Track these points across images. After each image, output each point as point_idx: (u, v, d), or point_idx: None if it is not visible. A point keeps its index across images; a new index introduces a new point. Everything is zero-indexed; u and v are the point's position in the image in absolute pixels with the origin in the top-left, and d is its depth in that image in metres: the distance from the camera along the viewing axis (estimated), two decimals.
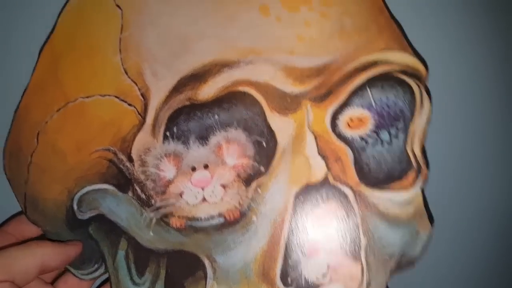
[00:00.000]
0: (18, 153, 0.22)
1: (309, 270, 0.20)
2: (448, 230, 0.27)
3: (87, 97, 0.21)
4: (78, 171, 0.21)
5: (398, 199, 0.21)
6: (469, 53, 0.27)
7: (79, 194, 0.21)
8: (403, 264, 0.22)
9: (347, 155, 0.20)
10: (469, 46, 0.26)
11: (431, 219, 0.22)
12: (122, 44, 0.21)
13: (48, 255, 0.20)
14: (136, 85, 0.21)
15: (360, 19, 0.20)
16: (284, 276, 0.20)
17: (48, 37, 0.23)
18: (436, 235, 0.22)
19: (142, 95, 0.20)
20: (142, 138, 0.20)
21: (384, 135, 0.21)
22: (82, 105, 0.21)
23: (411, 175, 0.21)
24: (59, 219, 0.21)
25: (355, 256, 0.20)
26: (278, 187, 0.20)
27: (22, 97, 0.23)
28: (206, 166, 0.20)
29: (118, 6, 0.21)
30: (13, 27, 0.26)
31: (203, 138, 0.20)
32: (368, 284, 0.20)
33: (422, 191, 0.21)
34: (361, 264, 0.20)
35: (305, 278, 0.20)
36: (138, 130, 0.20)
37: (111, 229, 0.21)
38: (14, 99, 0.23)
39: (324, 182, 0.20)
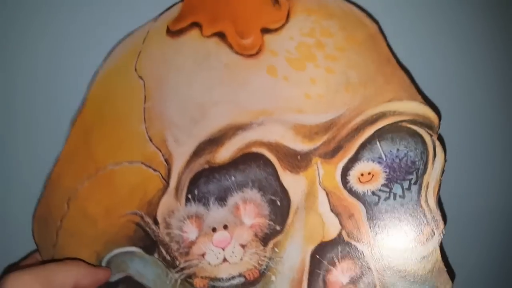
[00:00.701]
0: (48, 218, 0.25)
1: None
2: (471, 283, 0.26)
3: (116, 164, 0.24)
4: (107, 235, 0.24)
5: (415, 255, 0.21)
6: (482, 96, 0.27)
7: (107, 257, 0.24)
8: None
9: (360, 211, 0.21)
10: (483, 91, 0.26)
11: (451, 274, 0.21)
12: (146, 113, 0.24)
13: (82, 274, 0.23)
14: (160, 151, 0.23)
15: (365, 71, 0.22)
16: None
17: (80, 109, 0.27)
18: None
19: (166, 160, 0.23)
20: (167, 201, 0.23)
21: (397, 189, 0.21)
22: (111, 173, 0.24)
23: (426, 229, 0.21)
24: None
25: None
26: (294, 245, 0.21)
27: (54, 165, 0.26)
28: (225, 227, 0.22)
29: (140, 77, 0.24)
30: (43, 101, 0.30)
31: (222, 199, 0.22)
32: None
33: (441, 246, 0.21)
34: None
35: None
36: (163, 193, 0.23)
37: None
38: (44, 168, 0.26)
39: (339, 239, 0.21)
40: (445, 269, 0.21)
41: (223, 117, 0.23)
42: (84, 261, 0.24)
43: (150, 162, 0.23)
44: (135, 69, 0.24)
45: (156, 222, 0.22)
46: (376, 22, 0.23)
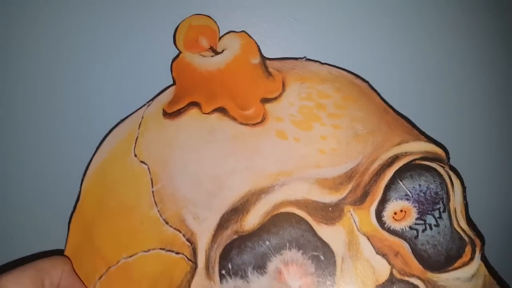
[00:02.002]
0: None
1: None
2: None
3: (130, 256, 0.25)
4: None
5: (465, 275, 0.24)
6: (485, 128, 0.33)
7: None
8: None
9: (404, 247, 0.24)
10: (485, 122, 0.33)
11: (504, 284, 0.25)
12: (157, 196, 0.26)
13: (67, 272, 0.24)
14: (180, 232, 0.24)
15: (369, 122, 0.27)
16: None
17: (75, 207, 0.27)
18: None
19: (188, 240, 0.24)
20: (198, 283, 0.24)
21: (430, 219, 0.25)
22: (126, 266, 0.25)
23: (467, 249, 0.25)
24: None
25: None
26: None
27: None
28: None
29: (143, 162, 0.26)
30: (40, 199, 0.30)
31: (260, 267, 0.23)
32: None
33: (485, 260, 0.25)
34: None
35: None
36: (192, 276, 0.24)
37: None
38: None
39: (392, 278, 0.23)
40: (495, 282, 0.25)
41: (241, 185, 0.25)
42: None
43: (170, 246, 0.24)
44: (135, 155, 0.26)
45: None
46: (365, 81, 0.28)
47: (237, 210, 0.24)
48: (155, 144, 0.26)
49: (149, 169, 0.26)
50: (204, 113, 0.26)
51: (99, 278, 0.24)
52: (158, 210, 0.25)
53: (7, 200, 0.30)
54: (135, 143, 0.26)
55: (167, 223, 0.24)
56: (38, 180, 0.30)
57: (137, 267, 0.24)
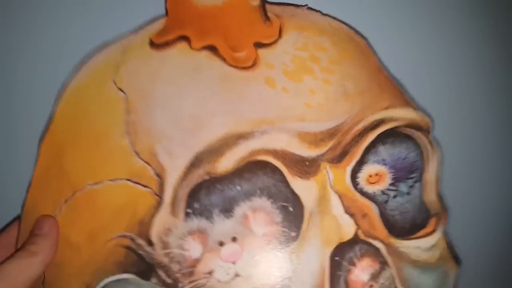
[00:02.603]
0: None
1: None
2: (474, 267, 0.31)
3: (96, 183, 0.24)
4: (95, 263, 0.24)
5: (425, 245, 0.25)
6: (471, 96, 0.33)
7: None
8: None
9: (373, 210, 0.25)
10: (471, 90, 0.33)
11: (457, 259, 0.26)
12: (130, 127, 0.25)
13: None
14: (150, 165, 0.24)
15: (361, 82, 0.26)
16: None
17: (47, 128, 0.26)
18: (464, 273, 0.26)
19: (157, 174, 0.24)
20: (162, 219, 0.23)
21: (402, 187, 0.25)
22: (91, 193, 0.24)
23: (432, 221, 0.26)
24: None
25: None
26: (312, 250, 0.23)
27: (27, 193, 0.26)
28: (234, 239, 0.23)
29: (120, 89, 0.25)
30: (10, 119, 0.29)
31: (227, 211, 0.23)
32: None
33: (445, 234, 0.26)
34: None
35: None
36: (156, 210, 0.24)
37: None
38: (19, 194, 0.25)
39: (356, 238, 0.24)
40: (451, 256, 0.25)
41: (221, 127, 0.25)
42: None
43: (138, 178, 0.24)
44: (114, 81, 0.25)
45: (150, 243, 0.23)
46: (364, 38, 0.27)
47: (212, 152, 0.23)
48: (137, 73, 0.25)
49: (125, 98, 0.24)
50: (193, 49, 0.25)
51: (65, 202, 0.24)
52: (130, 142, 0.24)
53: None
54: (116, 69, 0.25)
55: (138, 155, 0.24)
56: (10, 96, 0.28)
57: (103, 195, 0.23)
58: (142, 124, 0.24)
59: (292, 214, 0.24)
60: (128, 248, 0.23)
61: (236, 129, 0.24)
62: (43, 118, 0.26)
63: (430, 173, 0.27)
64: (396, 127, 0.26)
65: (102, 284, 0.23)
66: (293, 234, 0.24)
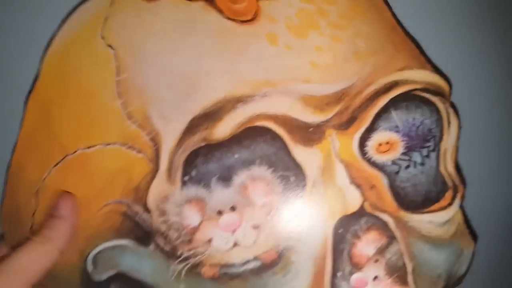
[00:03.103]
0: (17, 217, 0.23)
1: None
2: (492, 244, 0.29)
3: (88, 147, 0.23)
4: (88, 229, 0.23)
5: (439, 220, 0.23)
6: (492, 60, 0.30)
7: (92, 254, 0.23)
8: (450, 283, 0.24)
9: (381, 181, 0.23)
10: (491, 54, 0.30)
11: (473, 235, 0.24)
12: (121, 87, 0.23)
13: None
14: (144, 130, 0.22)
15: (374, 40, 0.24)
16: None
17: (33, 86, 0.25)
18: (481, 249, 0.24)
19: (152, 140, 0.23)
20: (158, 186, 0.22)
21: (416, 157, 0.23)
22: (83, 157, 0.23)
23: (448, 194, 0.24)
24: (74, 284, 0.23)
25: (403, 282, 0.22)
26: (314, 222, 0.22)
27: (12, 154, 0.24)
28: (233, 209, 0.22)
29: (109, 46, 0.23)
30: None
31: (225, 179, 0.22)
32: None
33: (462, 208, 0.24)
34: None
35: None
36: (152, 178, 0.22)
37: None
38: (3, 156, 0.24)
39: (361, 211, 0.22)
40: (468, 231, 0.24)
41: (218, 88, 0.23)
42: None
43: (131, 143, 0.22)
44: (102, 37, 0.23)
45: (147, 210, 0.22)
46: None
47: (209, 116, 0.22)
48: (126, 28, 0.23)
49: (115, 55, 0.22)
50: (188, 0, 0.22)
51: (55, 166, 0.23)
52: (122, 103, 0.23)
53: None
54: (104, 23, 0.23)
55: (130, 118, 0.22)
56: None
57: (95, 160, 0.22)
58: (133, 84, 0.23)
59: (293, 184, 0.22)
60: (124, 214, 0.22)
61: (234, 91, 0.22)
62: (29, 76, 0.24)
63: (448, 142, 0.25)
64: (411, 90, 0.23)
65: (97, 249, 0.22)
66: (295, 205, 0.22)
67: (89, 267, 0.22)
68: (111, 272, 0.23)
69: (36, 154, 0.24)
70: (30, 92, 0.25)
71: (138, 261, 0.22)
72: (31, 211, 0.23)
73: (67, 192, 0.23)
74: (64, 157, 0.23)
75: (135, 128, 0.23)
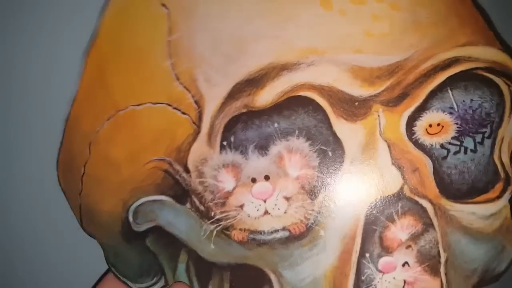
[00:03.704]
0: (71, 164, 0.26)
1: (383, 286, 0.21)
2: None
3: (138, 105, 0.24)
4: (133, 182, 0.24)
5: (483, 212, 0.22)
6: None
7: (134, 205, 0.25)
8: (486, 278, 0.23)
9: (426, 165, 0.22)
10: None
11: None
12: (172, 47, 0.23)
13: None
14: (189, 92, 0.23)
15: (437, 10, 0.22)
16: None
17: (91, 43, 0.26)
18: None
19: (196, 102, 0.23)
20: (198, 148, 0.23)
21: (468, 143, 0.22)
22: (133, 114, 0.24)
23: (498, 186, 0.22)
24: (115, 231, 0.25)
25: (434, 272, 0.21)
26: (348, 200, 0.21)
27: (71, 105, 0.26)
28: (267, 178, 0.22)
29: (164, 5, 0.24)
30: (55, 30, 0.29)
31: (262, 148, 0.22)
32: None
33: (511, 203, 0.22)
34: (441, 280, 0.21)
35: None
36: (194, 139, 0.23)
37: (170, 242, 0.24)
38: (63, 107, 0.26)
39: (400, 194, 0.21)
40: None
41: (264, 54, 0.22)
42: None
43: (178, 103, 0.23)
44: None
45: (187, 170, 0.22)
46: None
47: (252, 82, 0.22)
48: None
49: (168, 15, 0.23)
50: None
51: (108, 120, 0.24)
52: (171, 63, 0.23)
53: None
54: None
55: (178, 79, 0.23)
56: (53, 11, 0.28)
57: (144, 117, 0.24)
58: (183, 46, 0.23)
59: (331, 159, 0.22)
60: (165, 171, 0.23)
61: (280, 58, 0.22)
62: (87, 33, 0.26)
63: (507, 129, 0.22)
64: (473, 69, 0.21)
65: (139, 202, 0.24)
66: (329, 180, 0.22)
67: (130, 217, 0.24)
68: (149, 225, 0.25)
69: (91, 107, 0.26)
70: (89, 47, 0.26)
71: (175, 217, 0.24)
72: (84, 160, 0.25)
73: (182, 283, 0.25)
74: (117, 113, 0.24)
75: (182, 89, 0.24)
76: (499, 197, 0.23)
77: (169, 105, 0.24)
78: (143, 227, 0.25)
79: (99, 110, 0.25)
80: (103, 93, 0.25)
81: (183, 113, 0.24)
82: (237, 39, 0.23)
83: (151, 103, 0.24)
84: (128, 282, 0.26)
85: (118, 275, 0.26)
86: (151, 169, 0.24)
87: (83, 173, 0.26)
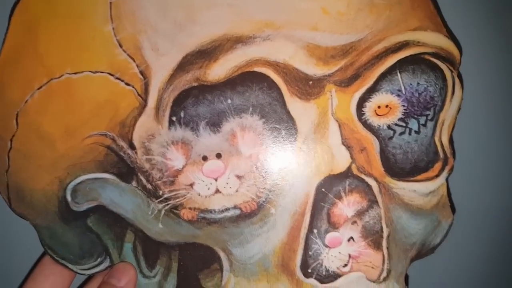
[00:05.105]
0: None
1: (330, 260, 0.22)
2: (468, 217, 0.30)
3: (75, 73, 0.23)
4: (70, 159, 0.23)
5: (423, 190, 0.23)
6: (506, 36, 0.28)
7: (72, 184, 0.24)
8: (423, 251, 0.25)
9: (373, 145, 0.23)
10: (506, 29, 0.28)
11: (453, 208, 0.25)
12: (114, 10, 0.22)
13: None
14: (134, 61, 0.21)
15: None
16: (304, 267, 0.22)
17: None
18: (456, 221, 0.25)
19: (141, 73, 0.22)
20: (145, 123, 0.22)
21: (413, 124, 0.23)
22: (69, 83, 0.23)
23: (437, 166, 0.24)
24: (51, 212, 0.23)
25: (377, 246, 0.23)
26: (299, 178, 0.22)
27: None
28: (219, 156, 0.22)
29: None
30: None
31: (214, 125, 0.22)
32: (389, 272, 0.23)
33: (447, 181, 0.24)
34: (383, 254, 0.23)
35: (326, 268, 0.22)
36: (139, 113, 0.22)
37: (115, 221, 0.23)
38: None
39: (348, 173, 0.22)
40: (449, 204, 0.24)
41: (218, 24, 0.22)
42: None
43: (120, 73, 0.21)
44: None
45: (132, 147, 0.21)
46: None
47: (204, 54, 0.21)
48: None
49: None
50: None
51: (39, 88, 0.21)
52: (113, 28, 0.21)
53: None
54: None
55: (120, 45, 0.21)
56: None
57: (82, 87, 0.22)
58: (126, 7, 0.21)
59: (284, 137, 0.22)
60: (108, 148, 0.22)
61: (234, 30, 0.21)
62: None
63: (448, 113, 0.24)
64: (421, 53, 0.22)
65: (78, 180, 0.22)
66: (282, 159, 0.22)
67: (68, 197, 0.23)
68: (91, 204, 0.23)
69: (19, 73, 0.23)
70: (15, 5, 0.24)
71: (119, 196, 0.23)
72: (10, 134, 0.22)
73: (128, 263, 0.24)
74: (49, 81, 0.23)
75: (125, 57, 0.22)
76: (437, 175, 0.25)
77: (111, 74, 0.23)
78: (83, 207, 0.24)
79: (27, 77, 0.23)
80: (32, 58, 0.23)
81: (127, 84, 0.22)
82: (187, 4, 0.22)
83: (90, 71, 0.23)
84: (68, 265, 0.25)
85: (56, 258, 0.24)
86: (91, 144, 0.23)
87: (10, 148, 0.23)
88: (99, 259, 0.26)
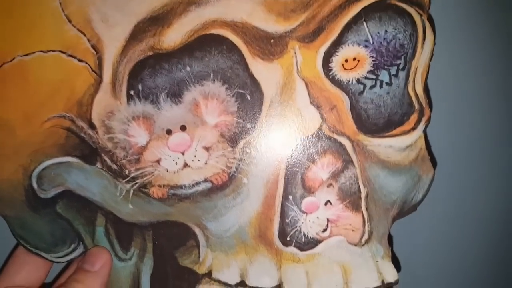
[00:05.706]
0: None
1: (308, 226, 0.21)
2: (451, 170, 0.29)
3: (27, 54, 0.22)
4: (32, 145, 0.23)
5: (400, 145, 0.22)
6: None
7: (37, 170, 0.23)
8: (405, 209, 0.24)
9: (343, 102, 0.21)
10: None
11: (433, 161, 0.23)
12: None
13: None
14: (85, 35, 0.20)
15: None
16: (282, 235, 0.21)
17: None
18: (438, 175, 0.24)
19: (93, 47, 0.21)
20: (102, 100, 0.21)
21: (384, 76, 0.21)
22: (22, 65, 0.22)
23: (413, 118, 0.23)
24: (18, 201, 0.23)
25: (356, 208, 0.22)
26: (269, 144, 0.21)
27: None
28: (183, 128, 0.21)
29: None
30: None
31: (175, 96, 0.20)
32: (370, 234, 0.22)
33: (425, 133, 0.23)
34: (362, 215, 0.22)
35: (304, 234, 0.22)
36: (96, 90, 0.21)
37: (84, 205, 0.22)
38: None
39: (319, 134, 0.21)
40: (429, 157, 0.23)
41: None
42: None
43: (72, 50, 0.20)
44: None
45: (92, 126, 0.20)
46: None
47: (157, 20, 0.19)
48: None
49: None
50: None
51: None
52: (60, 2, 0.20)
53: None
54: None
55: (70, 21, 0.20)
56: None
57: (35, 69, 0.22)
58: None
59: (249, 102, 0.21)
60: (68, 130, 0.21)
61: None
62: None
63: (420, 60, 0.23)
64: None
65: (42, 166, 0.22)
66: (249, 125, 0.21)
67: (35, 184, 0.22)
68: (58, 190, 0.23)
69: None
70: None
71: (85, 179, 0.22)
72: None
73: (101, 247, 0.23)
74: (1, 65, 0.22)
75: (75, 33, 0.21)
76: (414, 128, 0.24)
77: (63, 52, 0.22)
78: (50, 193, 0.23)
79: None
80: None
81: (80, 60, 0.21)
82: None
83: (42, 51, 0.22)
84: (42, 254, 0.24)
85: (29, 248, 0.24)
86: (51, 128, 0.22)
87: None
88: (72, 246, 0.25)
